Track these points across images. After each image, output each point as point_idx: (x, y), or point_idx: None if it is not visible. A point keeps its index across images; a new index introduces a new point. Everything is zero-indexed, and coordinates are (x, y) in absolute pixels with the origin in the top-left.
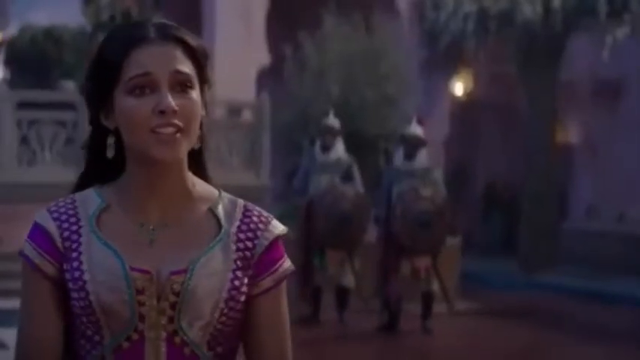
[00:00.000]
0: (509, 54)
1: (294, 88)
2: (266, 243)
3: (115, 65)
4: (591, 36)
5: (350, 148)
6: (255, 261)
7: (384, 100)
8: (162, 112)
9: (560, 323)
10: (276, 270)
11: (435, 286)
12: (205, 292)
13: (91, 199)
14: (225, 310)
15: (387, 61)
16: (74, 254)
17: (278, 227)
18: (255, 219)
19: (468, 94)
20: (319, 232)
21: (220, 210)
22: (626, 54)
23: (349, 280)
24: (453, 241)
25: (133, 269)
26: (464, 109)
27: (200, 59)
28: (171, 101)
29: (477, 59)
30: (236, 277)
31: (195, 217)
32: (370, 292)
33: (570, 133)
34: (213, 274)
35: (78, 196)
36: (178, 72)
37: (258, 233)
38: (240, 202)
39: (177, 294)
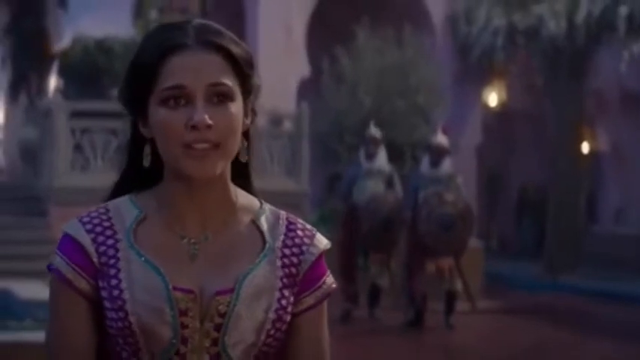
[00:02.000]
0: (537, 66)
1: (331, 100)
2: (312, 258)
3: (149, 72)
4: (612, 50)
5: None
6: (301, 278)
7: (414, 111)
8: (194, 127)
9: (580, 323)
10: (320, 287)
11: (458, 286)
12: (252, 312)
13: (126, 208)
14: (272, 332)
15: (417, 73)
16: (112, 271)
17: (322, 241)
18: (299, 233)
19: (501, 104)
20: (363, 235)
21: (263, 222)
22: None
23: (385, 280)
24: (476, 243)
25: (175, 289)
26: (497, 118)
27: (244, 68)
28: (205, 116)
29: (508, 71)
30: (283, 296)
31: (238, 229)
32: (398, 290)
33: (599, 141)
34: (260, 294)
35: (112, 205)
36: (216, 84)
37: (304, 248)
38: (283, 214)
39: (222, 315)
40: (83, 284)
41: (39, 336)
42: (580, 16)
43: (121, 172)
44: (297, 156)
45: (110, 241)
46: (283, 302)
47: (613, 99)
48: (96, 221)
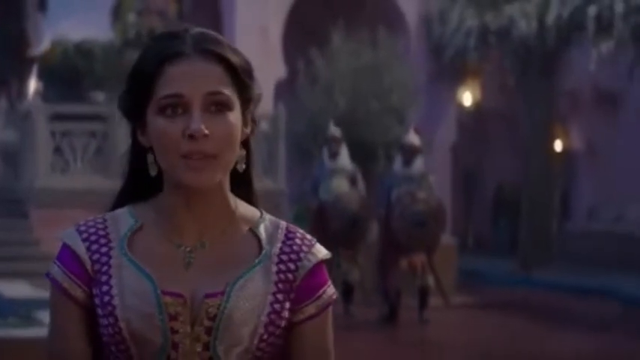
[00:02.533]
0: (509, 66)
1: (306, 101)
2: (309, 265)
3: (148, 81)
4: (583, 50)
5: (354, 155)
6: (298, 284)
7: (388, 111)
8: (191, 137)
9: (552, 317)
10: (320, 296)
11: (430, 281)
12: (243, 316)
13: (123, 218)
14: (265, 336)
15: (391, 74)
16: (104, 278)
17: (322, 251)
18: (298, 241)
19: (475, 104)
20: (333, 233)
21: (262, 231)
22: (624, 65)
23: (355, 276)
24: (450, 240)
25: (165, 293)
26: (472, 117)
27: (242, 77)
28: (202, 126)
29: (481, 71)
30: (277, 301)
31: (236, 238)
32: (372, 286)
33: (573, 140)
34: (251, 297)
35: (109, 215)
36: (213, 93)
37: (301, 255)
38: (283, 223)
39: (212, 318)
40: (78, 292)
41: (22, 332)
42: (550, 17)
43: (123, 181)
44: (274, 156)
45: (104, 249)
46: (277, 306)
47: (586, 98)
48: (92, 230)
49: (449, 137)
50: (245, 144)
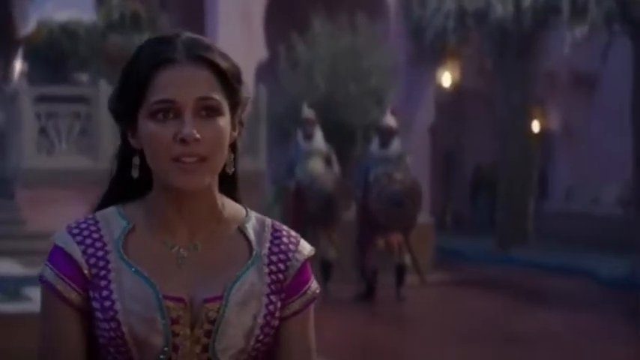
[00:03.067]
0: (486, 48)
1: (286, 83)
2: (298, 265)
3: (140, 86)
4: (559, 33)
5: (333, 137)
6: (288, 284)
7: (367, 94)
8: (183, 141)
9: (527, 294)
10: (305, 292)
11: (407, 260)
12: (241, 319)
13: (114, 219)
14: (261, 337)
15: (370, 57)
16: (103, 282)
17: (307, 248)
18: (285, 240)
19: (455, 85)
20: (310, 213)
21: (250, 230)
22: (599, 48)
23: (333, 254)
24: (427, 220)
25: (166, 298)
26: (452, 98)
27: (232, 82)
28: (194, 130)
29: (460, 53)
30: (271, 302)
31: (225, 237)
32: (349, 264)
33: (550, 121)
34: (248, 300)
35: (99, 216)
36: (204, 98)
37: (290, 255)
38: (268, 221)
39: (212, 322)
40: (73, 295)
41: (10, 308)
42: (527, 0)
43: (110, 181)
44: (255, 136)
45: (100, 253)
46: (271, 308)
47: (562, 80)
48: (85, 233)
49: (428, 118)
50: (233, 147)
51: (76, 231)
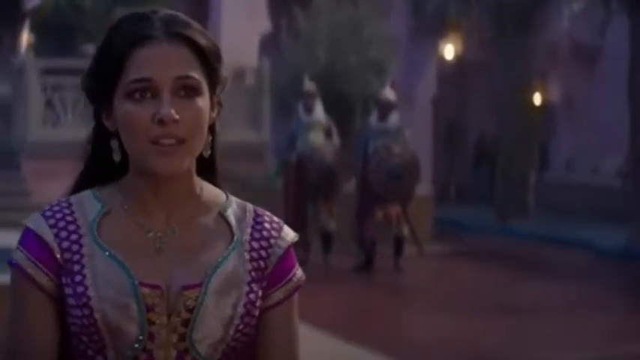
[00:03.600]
0: (485, 22)
1: (288, 56)
2: (280, 252)
3: (115, 64)
4: (560, 5)
5: (333, 109)
6: (269, 272)
7: (367, 65)
8: (161, 122)
9: (524, 264)
10: (290, 280)
11: (405, 231)
12: (220, 307)
13: (89, 202)
14: (241, 327)
15: (370, 28)
16: (76, 267)
17: (290, 234)
18: (267, 225)
19: (457, 57)
20: (311, 184)
21: (231, 215)
22: (599, 22)
23: (333, 225)
24: (426, 191)
25: (142, 284)
26: (454, 70)
27: (211, 60)
28: (172, 110)
29: (461, 26)
30: (251, 291)
31: (204, 222)
32: (349, 236)
33: (552, 93)
34: (228, 288)
35: (74, 199)
36: (183, 77)
37: (272, 241)
38: (250, 206)
39: (190, 310)
40: (45, 280)
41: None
42: None
43: (84, 164)
44: (259, 108)
45: (74, 236)
46: (252, 297)
47: (564, 53)
48: (58, 215)
49: (430, 90)
50: (211, 129)
51: (49, 213)
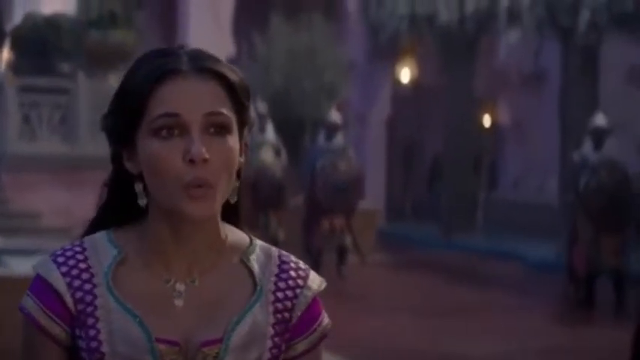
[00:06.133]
0: (435, 50)
1: (246, 78)
2: (306, 302)
3: (139, 100)
4: (496, 37)
5: (286, 129)
6: (294, 323)
7: (320, 89)
8: (192, 161)
9: (462, 275)
10: (314, 331)
11: (348, 241)
12: None
13: (103, 247)
14: None
15: (324, 54)
16: (90, 320)
17: (316, 281)
18: (292, 273)
19: (413, 81)
20: (261, 198)
21: (254, 262)
22: (547, 49)
23: (281, 235)
24: (370, 205)
25: (159, 340)
26: (410, 93)
27: (241, 98)
28: (203, 149)
29: (415, 51)
30: (275, 346)
31: (226, 270)
32: (297, 244)
33: (501, 115)
34: (250, 343)
35: (88, 243)
36: (214, 114)
37: (297, 291)
38: (274, 251)
39: None
40: (57, 331)
41: None
42: (469, 7)
43: (100, 207)
44: None
45: (87, 286)
46: (275, 352)
47: (512, 78)
48: (71, 262)
49: (384, 111)
50: (238, 174)
51: (61, 259)
